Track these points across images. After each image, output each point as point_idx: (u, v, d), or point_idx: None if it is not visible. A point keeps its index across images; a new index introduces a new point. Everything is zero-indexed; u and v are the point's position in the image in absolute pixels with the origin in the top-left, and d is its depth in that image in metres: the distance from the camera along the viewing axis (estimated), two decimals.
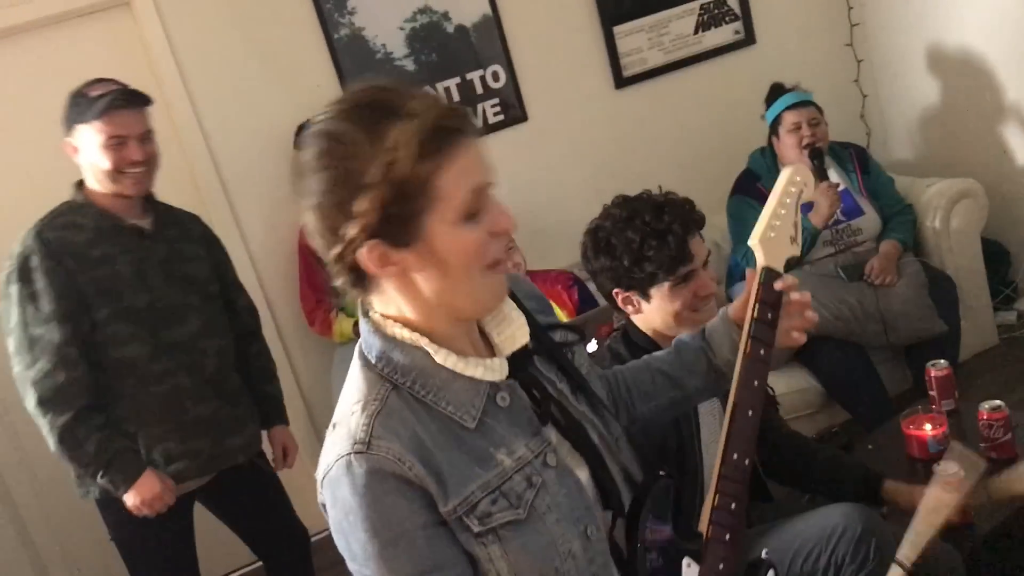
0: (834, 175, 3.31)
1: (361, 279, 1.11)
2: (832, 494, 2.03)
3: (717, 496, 1.21)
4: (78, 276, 2.14)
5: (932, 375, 2.35)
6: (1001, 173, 3.69)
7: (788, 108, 3.26)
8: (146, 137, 2.23)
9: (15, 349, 2.15)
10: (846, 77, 4.12)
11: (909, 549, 1.46)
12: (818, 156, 3.20)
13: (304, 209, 1.09)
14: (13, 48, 3.08)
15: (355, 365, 1.15)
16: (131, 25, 3.18)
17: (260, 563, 2.75)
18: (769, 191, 3.29)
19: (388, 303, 1.13)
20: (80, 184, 2.26)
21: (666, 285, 1.83)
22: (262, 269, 3.42)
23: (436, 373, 1.11)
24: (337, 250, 1.07)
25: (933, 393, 2.36)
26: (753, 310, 1.28)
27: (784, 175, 1.40)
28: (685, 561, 1.19)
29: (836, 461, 2.07)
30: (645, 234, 1.80)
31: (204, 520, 2.50)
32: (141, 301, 2.21)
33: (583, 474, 1.19)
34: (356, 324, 3.17)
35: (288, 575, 2.67)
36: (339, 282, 1.13)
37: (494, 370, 1.14)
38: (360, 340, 1.16)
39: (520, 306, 1.25)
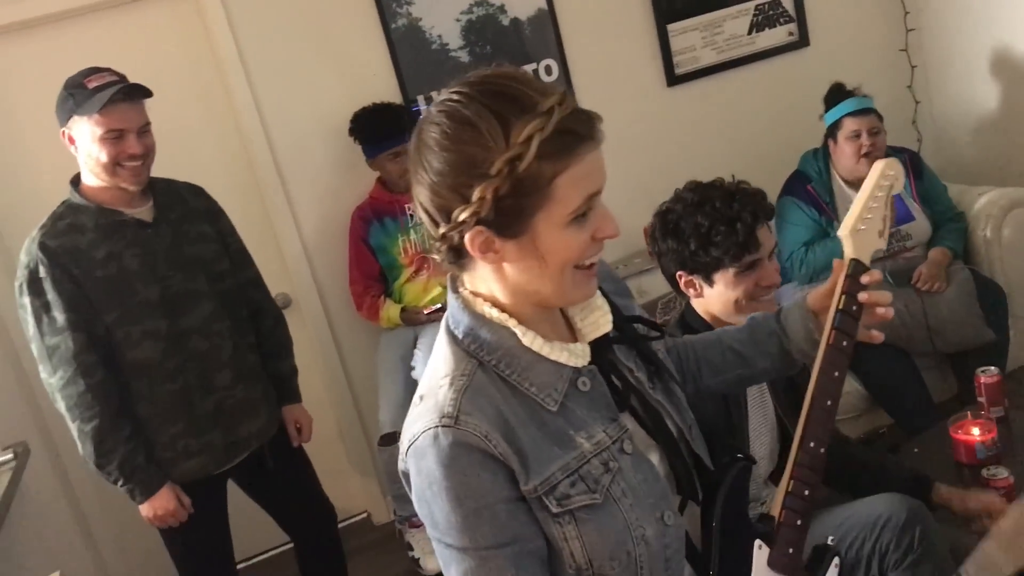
0: None
1: (460, 257, 1.13)
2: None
3: (792, 482, 1.22)
4: (86, 281, 2.16)
5: (982, 381, 2.34)
6: None
7: (849, 114, 3.23)
8: (144, 130, 2.21)
9: (37, 357, 2.21)
10: (900, 82, 4.09)
11: (975, 569, 1.46)
12: None
13: (418, 184, 1.11)
14: (76, 30, 3.15)
15: (442, 340, 1.17)
16: (193, 9, 3.25)
17: (291, 544, 2.79)
18: (818, 194, 3.28)
19: (480, 282, 1.16)
20: (76, 180, 2.27)
21: (731, 271, 1.86)
22: (313, 253, 3.47)
23: (522, 354, 1.13)
24: (444, 229, 1.09)
25: (982, 399, 2.35)
26: (839, 301, 1.29)
27: (877, 168, 1.39)
28: (757, 543, 1.21)
29: (883, 470, 2.07)
30: (714, 219, 1.83)
31: (236, 501, 2.56)
32: (153, 293, 2.23)
33: (657, 461, 1.21)
34: (403, 310, 3.24)
35: (317, 553, 2.71)
36: (438, 257, 1.16)
37: (577, 355, 1.17)
38: (447, 315, 1.19)
39: (600, 290, 1.26)
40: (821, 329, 1.31)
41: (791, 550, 1.21)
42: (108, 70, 2.20)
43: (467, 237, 1.08)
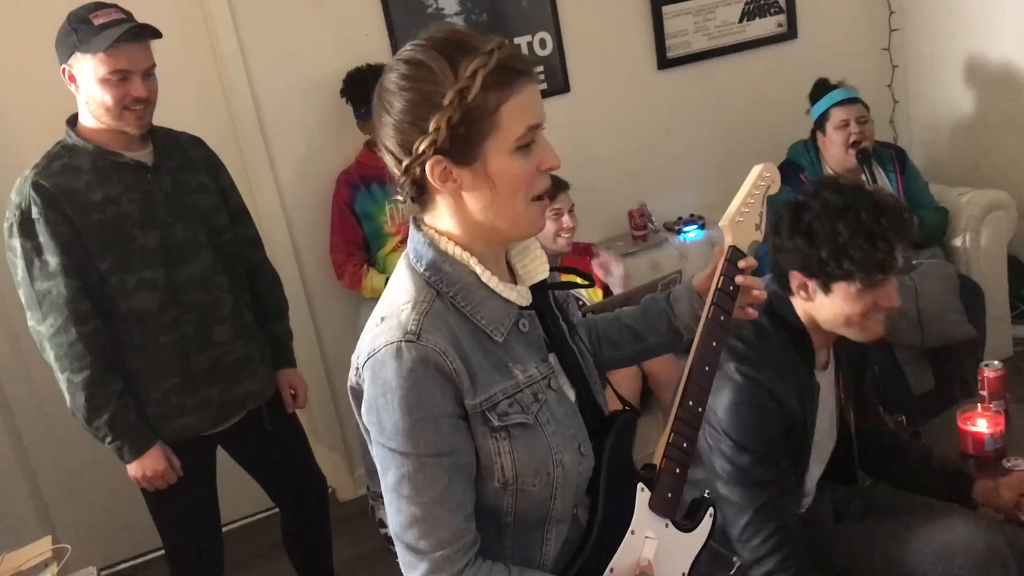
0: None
1: (422, 193, 1.25)
2: (921, 492, 2.03)
3: (672, 435, 1.37)
4: (81, 225, 2.05)
5: (986, 375, 2.35)
6: None
7: (837, 104, 3.26)
8: (149, 72, 2.12)
9: (26, 303, 2.10)
10: (880, 81, 4.15)
11: None
12: (866, 160, 3.21)
13: (382, 128, 1.22)
14: None
15: (403, 272, 1.28)
16: None
17: (273, 509, 2.72)
18: (811, 183, 3.30)
19: (440, 220, 1.27)
20: (73, 120, 2.16)
21: (855, 287, 1.74)
22: (293, 217, 3.35)
23: (478, 290, 1.25)
24: (407, 161, 1.20)
25: (984, 392, 2.37)
26: (718, 282, 1.47)
27: (755, 171, 1.54)
28: (640, 486, 1.34)
29: (927, 461, 2.05)
30: (855, 231, 1.69)
31: (220, 465, 2.45)
32: (152, 240, 2.13)
33: (574, 400, 1.35)
34: (388, 280, 3.15)
35: (304, 523, 2.64)
36: (401, 196, 1.28)
37: (523, 296, 1.30)
38: (409, 250, 1.30)
39: None
40: (703, 307, 1.49)
41: (670, 495, 1.36)
42: (114, 6, 2.08)
43: (427, 167, 1.19)
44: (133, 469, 2.15)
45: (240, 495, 2.86)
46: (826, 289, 1.77)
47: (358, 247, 3.22)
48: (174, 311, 2.16)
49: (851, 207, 1.71)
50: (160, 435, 2.17)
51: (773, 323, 1.83)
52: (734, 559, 1.76)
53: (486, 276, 1.25)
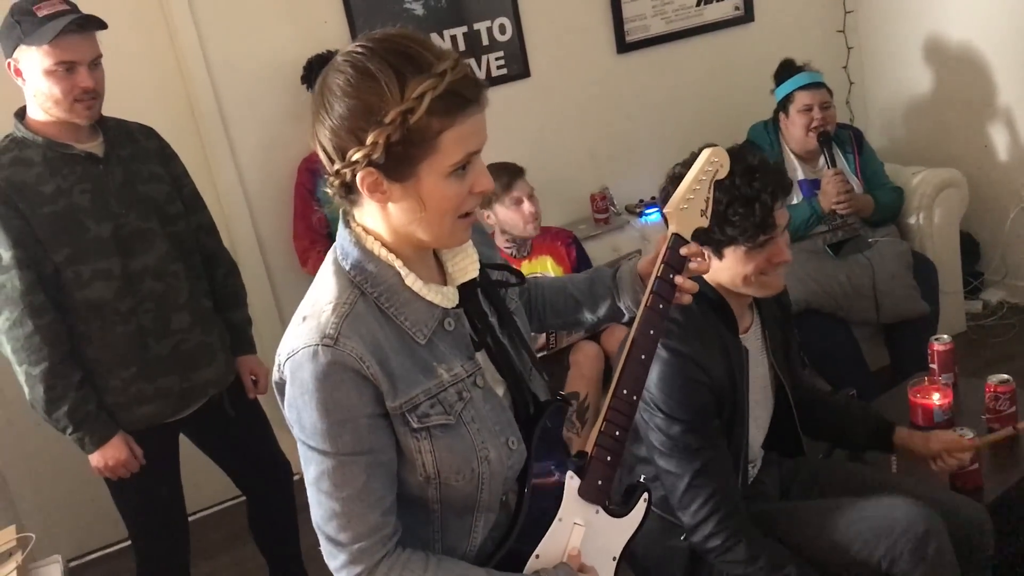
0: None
1: (350, 192, 1.24)
2: (844, 442, 2.11)
3: (605, 423, 1.37)
4: (33, 217, 2.06)
5: (935, 349, 2.43)
6: (980, 168, 3.83)
7: (802, 88, 3.30)
8: (95, 63, 2.12)
9: None
10: (836, 63, 4.20)
11: None
12: (827, 143, 3.26)
13: (319, 124, 1.22)
14: None
15: (328, 268, 1.29)
16: None
17: (240, 498, 2.71)
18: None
19: (368, 219, 1.27)
20: (21, 113, 2.16)
21: (742, 249, 1.81)
22: (255, 205, 3.34)
23: (402, 291, 1.26)
24: (339, 166, 1.20)
25: (934, 366, 2.44)
26: (658, 270, 1.45)
27: (703, 155, 1.50)
28: (569, 474, 1.36)
29: (848, 410, 2.14)
30: (732, 197, 1.74)
31: (187, 453, 2.47)
32: (105, 230, 2.13)
33: (503, 395, 1.37)
34: None
35: (270, 508, 2.65)
36: (331, 191, 1.27)
37: (448, 297, 1.31)
38: (336, 246, 1.30)
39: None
40: (644, 292, 1.47)
41: (600, 482, 1.37)
42: None
43: (358, 176, 1.19)
44: (95, 459, 2.16)
45: (206, 483, 2.87)
46: (719, 255, 1.84)
47: (321, 234, 3.23)
48: (131, 300, 2.17)
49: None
50: (121, 424, 2.19)
51: (697, 300, 1.87)
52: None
53: (410, 279, 1.25)
